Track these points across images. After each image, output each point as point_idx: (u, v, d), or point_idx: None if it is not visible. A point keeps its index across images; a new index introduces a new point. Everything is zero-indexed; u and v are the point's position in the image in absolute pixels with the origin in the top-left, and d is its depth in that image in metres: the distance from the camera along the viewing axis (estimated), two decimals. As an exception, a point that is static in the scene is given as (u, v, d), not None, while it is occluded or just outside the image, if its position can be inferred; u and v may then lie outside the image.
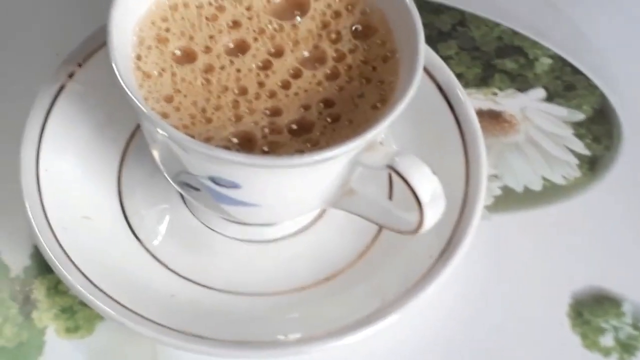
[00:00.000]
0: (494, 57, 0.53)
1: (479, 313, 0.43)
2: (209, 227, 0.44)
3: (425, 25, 0.53)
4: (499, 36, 0.54)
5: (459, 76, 0.52)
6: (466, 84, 0.52)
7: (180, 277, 0.42)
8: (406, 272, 0.41)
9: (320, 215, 0.44)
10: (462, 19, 0.55)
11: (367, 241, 0.43)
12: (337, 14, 0.41)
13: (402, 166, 0.36)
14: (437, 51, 0.52)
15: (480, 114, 0.50)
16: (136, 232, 0.43)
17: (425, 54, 0.44)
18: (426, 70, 0.46)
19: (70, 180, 0.43)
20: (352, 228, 0.43)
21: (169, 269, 0.42)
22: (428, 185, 0.36)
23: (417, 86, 0.37)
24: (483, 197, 0.42)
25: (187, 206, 0.44)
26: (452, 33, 0.54)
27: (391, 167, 0.36)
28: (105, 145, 0.45)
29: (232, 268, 0.43)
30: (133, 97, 0.36)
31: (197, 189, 0.39)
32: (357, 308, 0.40)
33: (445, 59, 0.52)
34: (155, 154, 0.39)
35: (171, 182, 0.40)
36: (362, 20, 0.41)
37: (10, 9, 0.52)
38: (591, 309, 0.44)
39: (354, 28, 0.41)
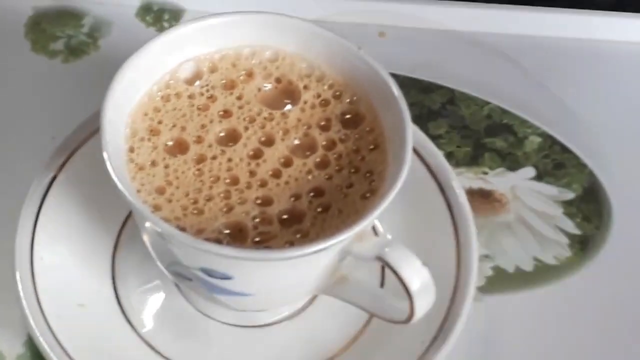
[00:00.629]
0: (483, 136, 0.54)
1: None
2: (203, 313, 0.44)
3: (415, 104, 0.55)
4: (489, 114, 0.55)
5: (449, 155, 0.53)
6: (457, 163, 0.52)
7: (173, 363, 0.42)
8: (398, 359, 0.41)
9: (313, 300, 0.44)
10: (452, 97, 0.55)
11: (360, 326, 0.43)
12: (326, 102, 0.42)
13: (391, 258, 0.37)
14: (427, 130, 0.53)
15: (471, 193, 0.51)
16: (130, 318, 0.43)
17: (417, 136, 0.46)
18: (417, 153, 0.47)
19: (64, 268, 0.43)
20: (344, 312, 0.43)
21: (162, 356, 0.42)
22: (418, 277, 0.37)
23: (405, 177, 0.38)
24: (474, 282, 0.42)
25: (180, 292, 0.44)
26: (442, 112, 0.55)
27: (381, 259, 0.37)
28: (98, 232, 0.45)
29: (226, 354, 0.43)
30: (125, 193, 0.36)
31: (189, 279, 0.39)
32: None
33: (436, 137, 0.53)
34: (148, 243, 0.40)
35: (164, 270, 0.40)
36: (350, 108, 0.41)
37: (9, 91, 0.53)
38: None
39: (343, 116, 0.41)
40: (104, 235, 0.45)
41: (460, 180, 0.50)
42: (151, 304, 0.44)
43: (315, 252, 0.36)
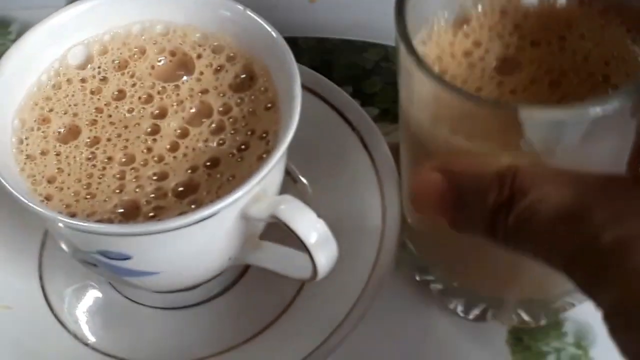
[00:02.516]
0: (419, 88, 0.52)
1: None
2: (132, 300, 0.43)
3: (349, 65, 0.54)
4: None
5: (385, 111, 0.51)
6: (393, 119, 0.51)
7: (105, 355, 0.41)
8: (329, 317, 0.40)
9: (242, 273, 0.43)
10: (386, 54, 0.54)
11: (290, 296, 0.42)
12: (220, 68, 0.41)
13: (285, 214, 0.36)
14: (361, 90, 0.52)
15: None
16: (58, 315, 0.42)
17: (337, 95, 0.44)
18: (339, 112, 0.45)
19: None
20: (275, 283, 0.41)
21: (94, 348, 0.42)
22: (313, 230, 0.36)
23: (292, 134, 0.36)
24: (398, 236, 0.41)
25: (109, 283, 0.43)
26: (375, 69, 0.53)
27: (275, 217, 0.36)
28: (23, 231, 0.44)
29: (159, 338, 0.42)
30: (6, 185, 0.35)
31: (94, 265, 0.38)
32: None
33: (371, 95, 0.52)
34: (51, 233, 0.39)
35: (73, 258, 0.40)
36: (244, 71, 0.40)
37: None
38: None
39: (236, 79, 0.40)
40: (29, 234, 0.44)
41: (395, 136, 0.48)
42: (80, 298, 0.43)
43: (203, 218, 0.35)
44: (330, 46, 0.55)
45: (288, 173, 0.44)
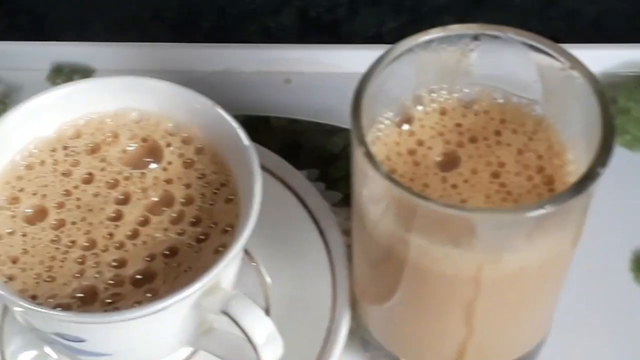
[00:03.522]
0: (382, 176, 0.54)
1: None
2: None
3: (318, 147, 0.56)
4: (389, 154, 0.55)
5: (348, 197, 0.52)
6: (355, 205, 0.53)
7: None
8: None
9: (194, 351, 0.45)
10: (353, 139, 0.56)
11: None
12: (187, 159, 0.43)
13: (235, 311, 0.37)
14: (326, 175, 0.54)
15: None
16: (14, 382, 0.44)
17: (299, 182, 0.46)
18: (298, 196, 0.48)
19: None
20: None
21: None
22: (261, 327, 0.37)
23: (250, 231, 0.38)
24: (347, 324, 0.43)
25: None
26: (342, 154, 0.55)
27: (225, 313, 0.37)
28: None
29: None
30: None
31: (50, 342, 0.40)
32: None
33: (336, 180, 0.54)
34: (10, 310, 0.41)
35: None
36: (209, 163, 0.42)
37: None
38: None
39: (201, 171, 0.42)
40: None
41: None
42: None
43: (158, 310, 0.36)
44: (300, 128, 0.57)
45: (246, 252, 0.46)
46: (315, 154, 0.55)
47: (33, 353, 0.45)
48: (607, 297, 0.48)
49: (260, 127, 0.56)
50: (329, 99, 0.58)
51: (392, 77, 0.39)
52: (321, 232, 0.47)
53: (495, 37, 0.39)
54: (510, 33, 0.39)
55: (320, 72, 0.59)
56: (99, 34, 0.62)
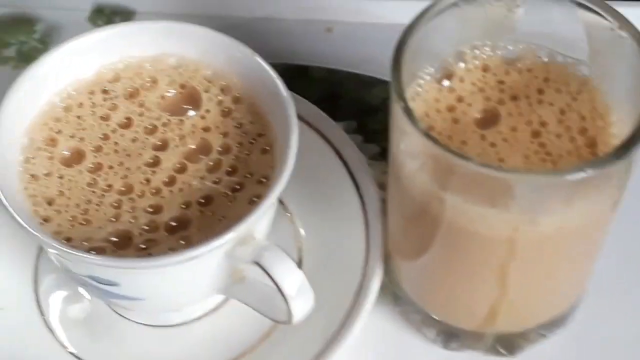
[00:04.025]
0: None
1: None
2: (120, 314, 0.45)
3: (356, 99, 0.55)
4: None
5: (385, 151, 0.52)
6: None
7: (88, 365, 0.43)
8: (302, 353, 0.42)
9: (226, 300, 0.45)
10: (393, 92, 0.55)
11: (269, 325, 0.44)
12: (225, 107, 0.42)
13: (267, 262, 0.37)
14: (364, 127, 0.53)
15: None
16: (49, 322, 0.44)
17: (336, 134, 0.46)
18: (335, 148, 0.47)
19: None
20: (255, 313, 0.43)
21: (77, 357, 0.44)
22: (292, 280, 0.37)
23: (285, 183, 0.38)
24: (380, 277, 0.43)
25: (99, 295, 0.46)
26: (381, 106, 0.55)
27: (257, 263, 0.37)
28: (21, 234, 0.46)
29: (142, 354, 0.44)
30: (6, 203, 0.37)
31: (84, 284, 0.40)
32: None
33: (374, 133, 0.53)
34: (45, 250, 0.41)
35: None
36: (247, 112, 0.42)
37: None
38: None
39: (239, 120, 0.42)
40: (27, 237, 0.46)
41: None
42: (70, 307, 0.45)
43: (190, 258, 0.37)
44: (339, 78, 0.56)
45: (280, 202, 0.46)
46: (354, 105, 0.55)
47: (66, 293, 0.45)
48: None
49: (299, 77, 0.56)
50: (370, 50, 0.57)
51: (435, 32, 0.39)
52: (357, 186, 0.46)
53: (542, -5, 0.38)
54: (558, -9, 0.38)
55: (362, 22, 0.58)
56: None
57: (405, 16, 0.57)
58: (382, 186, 0.47)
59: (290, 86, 0.42)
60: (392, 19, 0.58)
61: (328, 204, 0.46)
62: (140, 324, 0.45)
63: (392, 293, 0.45)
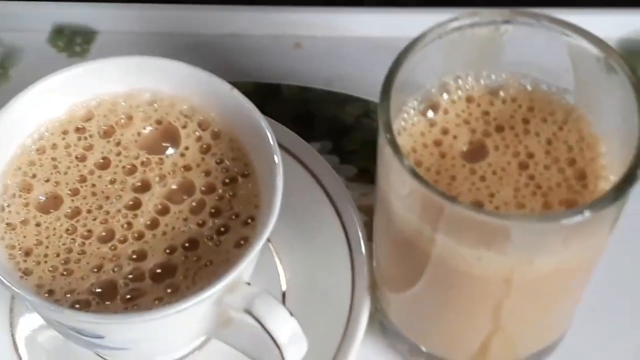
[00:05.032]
0: (397, 148, 0.53)
1: None
2: (101, 357, 0.44)
3: (330, 119, 0.54)
4: (404, 125, 0.54)
5: (363, 171, 0.52)
6: (370, 179, 0.51)
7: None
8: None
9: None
10: (367, 109, 0.55)
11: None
12: (205, 144, 0.41)
13: (259, 311, 0.37)
14: (341, 146, 0.53)
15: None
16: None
17: (314, 159, 0.45)
18: (313, 175, 0.47)
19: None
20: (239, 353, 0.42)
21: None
22: (286, 329, 0.37)
23: (273, 225, 0.37)
24: (365, 317, 0.42)
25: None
26: (356, 125, 0.54)
27: (249, 312, 0.37)
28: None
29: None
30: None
31: (67, 335, 0.39)
32: None
33: (350, 153, 0.53)
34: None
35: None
36: (228, 149, 0.41)
37: None
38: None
39: (219, 157, 0.41)
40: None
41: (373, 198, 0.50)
42: (49, 349, 0.44)
43: (182, 310, 0.35)
44: (312, 96, 0.55)
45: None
46: (328, 124, 0.54)
47: (47, 333, 0.44)
48: (630, 288, 0.47)
49: (270, 95, 0.55)
50: (341, 65, 0.56)
51: (420, 64, 0.38)
52: (338, 213, 0.45)
53: (528, 23, 0.38)
54: (544, 20, 0.38)
55: (331, 35, 0.58)
56: (102, -6, 0.59)
57: (373, 29, 0.57)
58: (361, 209, 0.47)
59: (263, 105, 0.41)
60: (361, 32, 0.58)
61: (310, 232, 0.46)
62: (124, 366, 0.43)
63: (379, 322, 0.45)
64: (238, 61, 0.57)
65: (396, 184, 0.36)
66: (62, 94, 0.41)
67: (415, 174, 0.34)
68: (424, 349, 0.43)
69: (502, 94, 0.40)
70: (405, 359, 0.44)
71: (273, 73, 0.56)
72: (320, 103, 0.55)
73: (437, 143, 0.38)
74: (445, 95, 0.39)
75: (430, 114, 0.39)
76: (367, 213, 0.47)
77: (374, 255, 0.44)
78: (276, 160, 0.39)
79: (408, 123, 0.39)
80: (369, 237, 0.45)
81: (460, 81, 0.40)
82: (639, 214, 0.42)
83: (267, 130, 0.40)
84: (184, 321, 0.38)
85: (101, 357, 0.43)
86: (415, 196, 0.35)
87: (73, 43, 0.57)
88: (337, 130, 0.54)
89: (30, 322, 0.44)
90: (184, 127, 0.42)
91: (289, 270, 0.45)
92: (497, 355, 0.42)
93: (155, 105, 0.42)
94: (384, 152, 0.36)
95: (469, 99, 0.40)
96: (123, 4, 0.58)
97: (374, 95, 0.55)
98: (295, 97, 0.55)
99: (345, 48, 0.57)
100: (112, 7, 0.58)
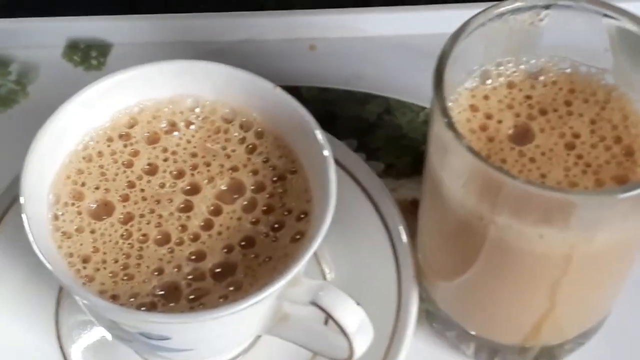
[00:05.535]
0: (422, 143, 0.53)
1: None
2: None
3: (352, 117, 0.55)
4: (425, 120, 0.54)
5: (389, 167, 0.52)
6: (397, 174, 0.52)
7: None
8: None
9: (256, 339, 0.44)
10: (388, 106, 0.55)
11: (308, 355, 0.43)
12: (250, 144, 0.41)
13: (326, 302, 0.37)
14: (365, 144, 0.53)
15: (415, 204, 0.50)
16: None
17: (354, 163, 0.45)
18: (357, 181, 0.47)
19: (6, 331, 0.43)
20: (287, 351, 0.42)
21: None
22: (354, 318, 0.37)
23: (331, 218, 0.38)
24: (415, 311, 0.42)
25: (128, 344, 0.44)
26: (378, 122, 0.55)
27: (315, 304, 0.37)
28: (39, 291, 0.44)
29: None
30: (50, 267, 0.36)
31: (130, 340, 0.39)
32: None
33: (374, 150, 0.53)
34: (84, 309, 0.39)
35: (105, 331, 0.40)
36: (273, 148, 0.41)
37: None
38: None
39: (266, 156, 0.41)
40: (44, 292, 0.44)
41: (402, 192, 0.50)
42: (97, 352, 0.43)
43: (248, 306, 0.36)
44: (332, 97, 0.56)
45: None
46: (350, 123, 0.55)
47: (94, 343, 0.44)
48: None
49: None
50: (356, 65, 0.57)
51: (464, 53, 0.38)
52: (375, 206, 0.46)
53: (567, 7, 0.39)
54: (582, 1, 0.38)
55: (345, 36, 0.58)
56: (114, 7, 0.59)
57: (385, 28, 0.58)
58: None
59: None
60: (373, 31, 0.58)
61: (350, 228, 0.46)
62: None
63: (424, 310, 0.45)
64: (255, 66, 0.56)
65: (454, 168, 0.37)
66: (105, 102, 0.41)
67: (477, 154, 0.34)
68: (473, 332, 0.43)
69: (542, 78, 0.40)
70: (453, 345, 0.45)
71: (291, 76, 0.57)
72: (341, 103, 0.55)
73: (483, 128, 0.39)
74: (488, 82, 0.40)
75: (473, 100, 0.40)
76: (399, 207, 0.47)
77: (419, 247, 0.44)
78: (326, 154, 0.39)
79: (454, 112, 0.39)
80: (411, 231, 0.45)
81: (501, 67, 0.40)
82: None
83: (314, 125, 0.40)
84: (248, 318, 0.38)
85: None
86: (475, 177, 0.36)
87: (89, 57, 0.57)
88: (360, 128, 0.54)
89: (76, 328, 0.44)
90: (227, 130, 0.42)
91: (332, 267, 0.46)
92: (547, 335, 0.42)
93: (197, 110, 0.42)
94: (442, 136, 0.36)
95: (510, 85, 0.40)
96: (136, 15, 0.58)
97: (392, 92, 0.56)
98: (316, 99, 0.55)
99: (359, 48, 0.58)
100: (125, 19, 0.58)
